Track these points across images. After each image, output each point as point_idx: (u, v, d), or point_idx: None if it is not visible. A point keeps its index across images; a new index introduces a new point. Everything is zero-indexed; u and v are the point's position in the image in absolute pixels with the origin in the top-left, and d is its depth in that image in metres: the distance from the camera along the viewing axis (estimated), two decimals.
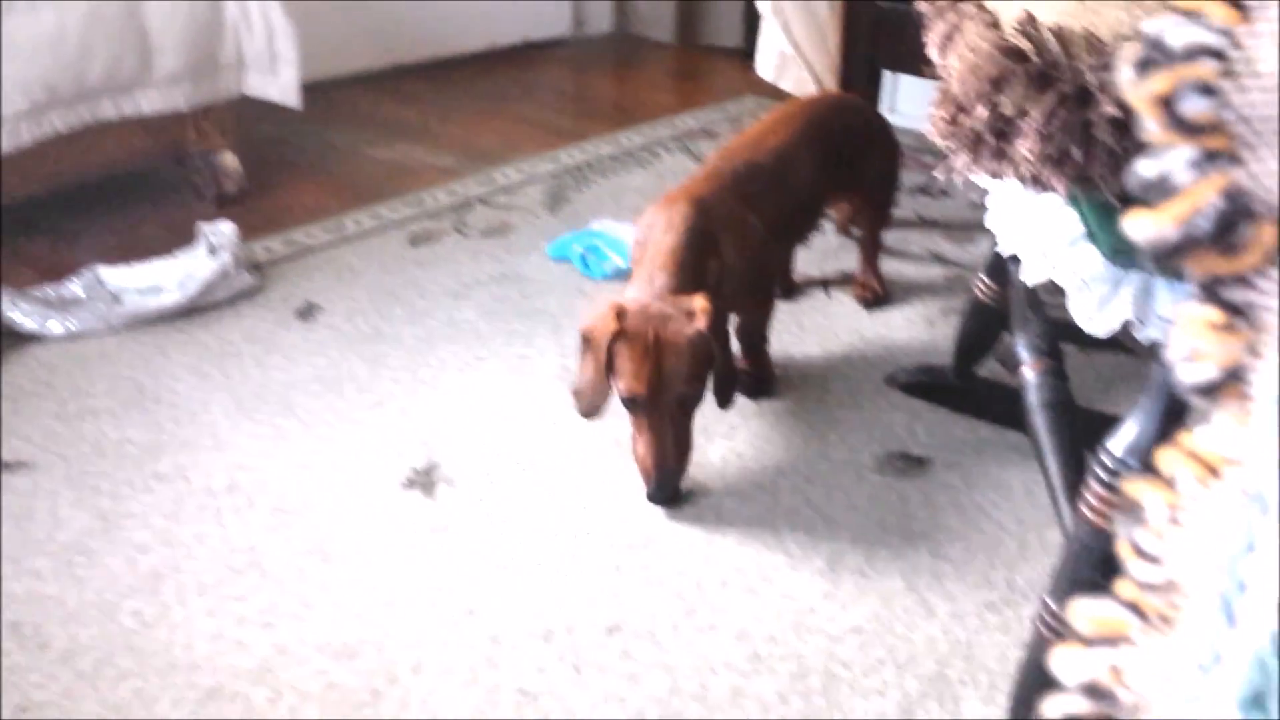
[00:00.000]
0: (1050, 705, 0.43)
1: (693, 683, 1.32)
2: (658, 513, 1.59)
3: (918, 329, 2.12)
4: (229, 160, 2.56)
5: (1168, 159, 0.46)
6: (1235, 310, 0.47)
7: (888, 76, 3.05)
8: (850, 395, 1.90)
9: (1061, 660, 0.43)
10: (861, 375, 1.97)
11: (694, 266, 1.64)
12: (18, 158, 2.17)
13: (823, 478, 1.69)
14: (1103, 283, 1.19)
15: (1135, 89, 0.47)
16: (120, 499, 1.59)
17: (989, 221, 1.46)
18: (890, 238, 2.42)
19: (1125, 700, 0.42)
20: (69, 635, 1.35)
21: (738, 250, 1.73)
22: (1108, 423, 1.23)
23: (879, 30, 2.53)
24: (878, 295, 2.21)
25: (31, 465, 1.66)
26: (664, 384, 1.53)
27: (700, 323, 1.54)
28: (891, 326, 2.13)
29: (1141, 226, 0.45)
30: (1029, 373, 1.51)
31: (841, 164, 2.05)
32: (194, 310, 2.08)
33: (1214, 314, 0.46)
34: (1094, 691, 0.42)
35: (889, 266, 2.33)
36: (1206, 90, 0.46)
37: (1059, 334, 1.57)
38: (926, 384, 1.90)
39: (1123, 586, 0.44)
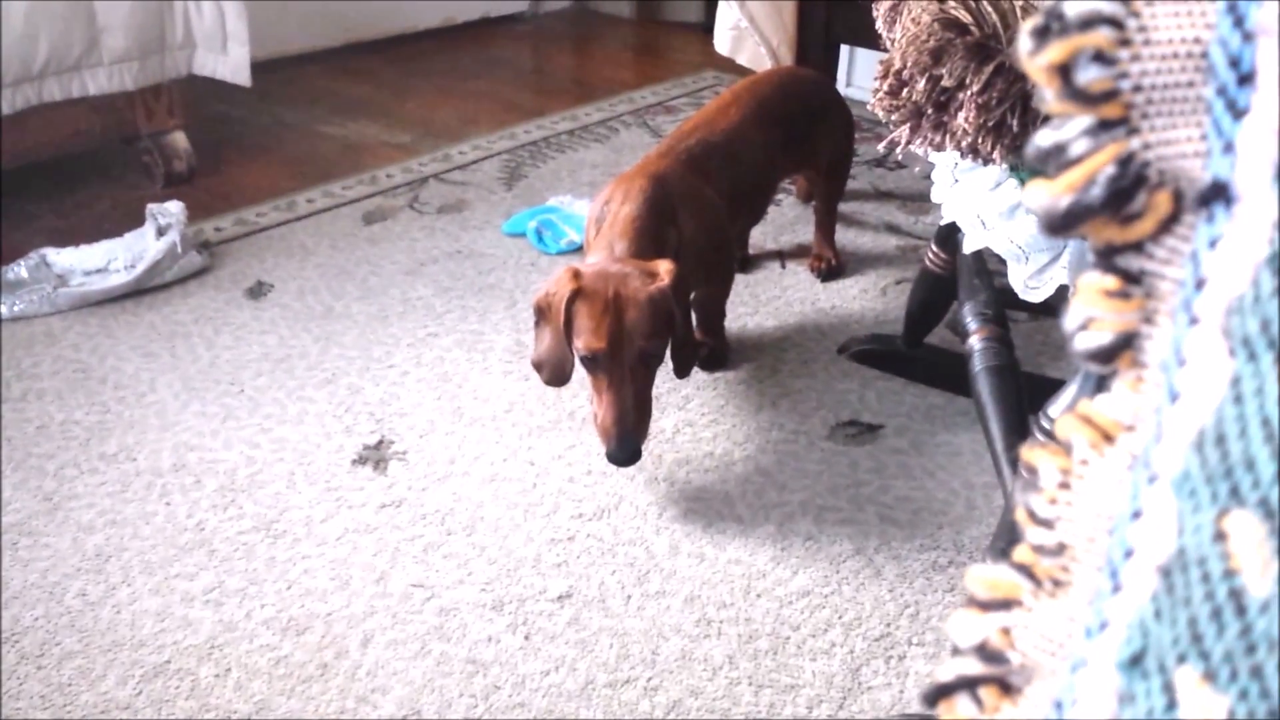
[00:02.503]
0: (946, 666, 0.44)
1: (643, 648, 1.33)
2: (610, 484, 1.60)
3: (872, 299, 2.13)
4: (179, 140, 2.54)
5: (1064, 128, 0.47)
6: (1131, 278, 0.47)
7: (844, 50, 3.06)
8: (803, 365, 1.91)
9: (957, 622, 0.44)
10: (815, 345, 1.98)
11: (654, 235, 1.64)
12: None
13: (774, 446, 1.70)
14: (1040, 251, 1.20)
15: (1032, 59, 0.47)
16: (65, 480, 1.58)
17: (934, 193, 1.47)
18: (846, 209, 2.43)
19: (1015, 662, 0.42)
20: (12, 616, 1.34)
21: (696, 223, 1.73)
22: (1055, 387, 1.24)
23: (835, 4, 2.52)
24: (832, 267, 2.22)
25: None
26: (624, 339, 1.51)
27: (663, 281, 1.53)
28: (846, 297, 2.14)
29: (1036, 195, 0.45)
30: (974, 339, 1.53)
31: (795, 138, 2.05)
32: (142, 291, 2.07)
33: (1110, 281, 0.47)
34: (985, 653, 0.43)
35: (844, 237, 2.34)
36: (1102, 59, 0.47)
37: (1007, 301, 1.59)
38: (878, 353, 1.91)
39: (1019, 550, 0.45)
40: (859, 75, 3.20)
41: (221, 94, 2.76)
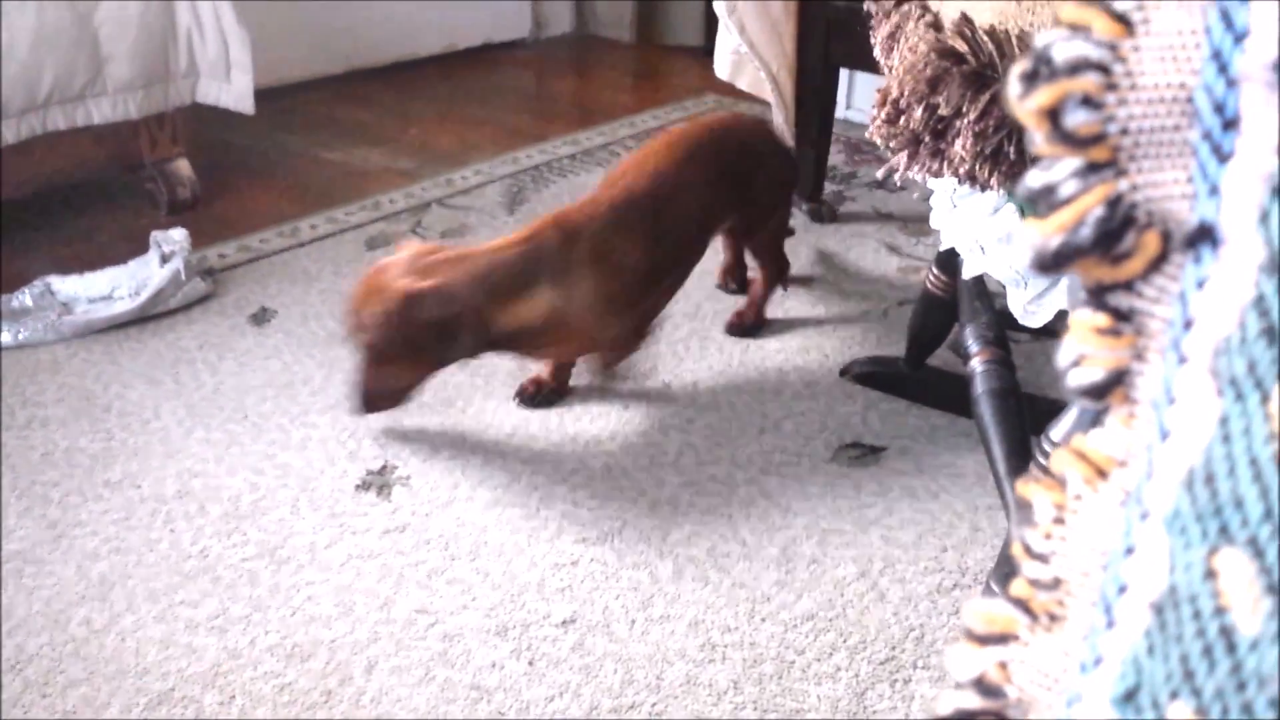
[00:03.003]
0: (945, 700, 0.44)
1: (647, 673, 1.33)
2: (613, 508, 1.60)
3: (873, 321, 2.14)
4: (182, 167, 2.55)
5: (1054, 170, 0.48)
6: (1122, 316, 0.48)
7: (844, 74, 3.07)
8: (805, 387, 1.92)
9: (955, 656, 0.45)
10: (817, 367, 1.98)
11: (505, 280, 1.65)
12: None
13: (777, 468, 1.70)
14: (1039, 277, 1.21)
15: (1021, 102, 0.48)
16: (70, 508, 1.58)
17: (933, 218, 1.48)
18: (847, 230, 2.44)
19: (1012, 696, 0.43)
20: (16, 645, 1.34)
21: (583, 288, 1.69)
22: (1058, 408, 1.25)
23: (835, 28, 2.54)
24: (747, 328, 2.08)
25: None
26: (359, 325, 1.66)
27: (421, 285, 1.60)
28: (848, 319, 2.15)
29: (1028, 235, 0.46)
30: (976, 362, 1.54)
31: (729, 189, 1.92)
32: (146, 318, 2.07)
33: (1101, 319, 0.48)
34: (983, 687, 0.43)
35: (846, 258, 2.35)
36: (1090, 103, 0.48)
37: (1008, 323, 1.59)
38: (880, 374, 1.92)
39: (1015, 584, 0.46)
40: (858, 98, 3.22)
41: (225, 121, 2.77)
